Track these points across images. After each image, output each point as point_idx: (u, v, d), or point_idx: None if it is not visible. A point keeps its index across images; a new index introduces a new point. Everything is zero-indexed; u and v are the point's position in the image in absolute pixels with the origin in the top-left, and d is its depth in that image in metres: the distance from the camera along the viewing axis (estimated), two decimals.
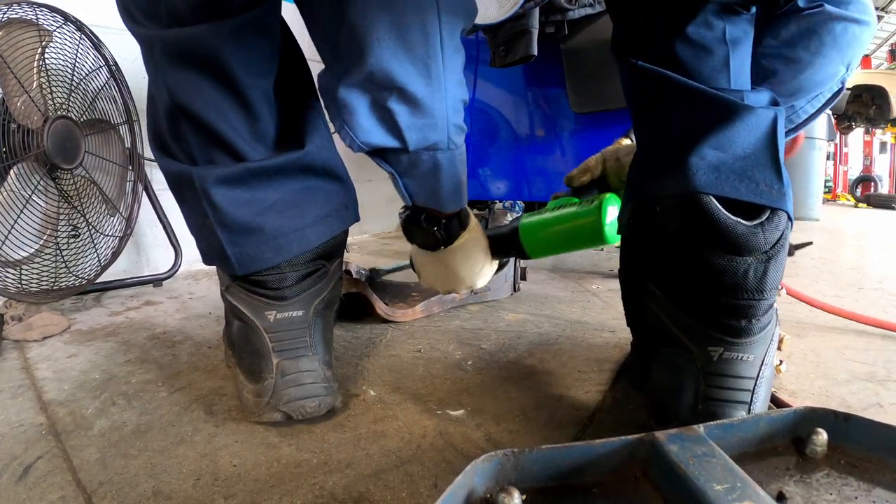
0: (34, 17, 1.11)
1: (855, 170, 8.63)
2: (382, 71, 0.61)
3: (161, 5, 0.60)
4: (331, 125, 0.71)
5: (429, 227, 0.78)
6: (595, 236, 0.77)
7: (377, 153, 0.70)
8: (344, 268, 0.97)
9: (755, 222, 0.56)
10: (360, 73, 0.61)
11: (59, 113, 1.13)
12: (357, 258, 1.82)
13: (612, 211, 0.77)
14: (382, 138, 0.67)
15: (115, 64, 1.28)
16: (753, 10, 0.63)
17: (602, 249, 1.99)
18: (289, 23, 0.75)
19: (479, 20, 0.97)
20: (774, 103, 0.62)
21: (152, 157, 0.71)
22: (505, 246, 0.85)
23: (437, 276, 0.86)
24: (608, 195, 0.77)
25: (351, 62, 0.61)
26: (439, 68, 0.65)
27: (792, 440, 0.51)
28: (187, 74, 0.62)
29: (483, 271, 0.86)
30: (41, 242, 1.14)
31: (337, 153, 0.76)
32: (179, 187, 0.68)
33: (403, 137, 0.67)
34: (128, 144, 1.33)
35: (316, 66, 0.85)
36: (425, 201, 0.76)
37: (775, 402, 0.71)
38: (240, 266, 0.67)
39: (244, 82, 0.64)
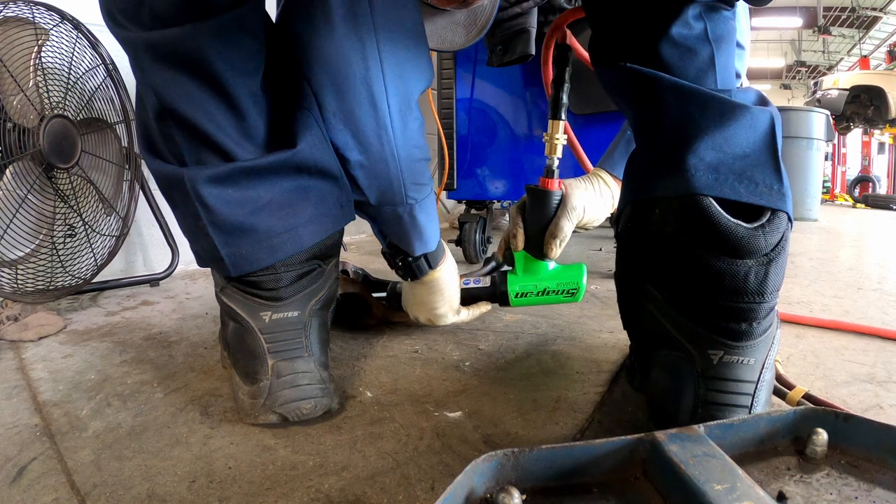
0: (31, 16, 1.10)
1: (853, 170, 8.66)
2: (336, 142, 0.73)
3: (143, 7, 0.59)
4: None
5: (395, 260, 0.87)
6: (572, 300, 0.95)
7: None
8: (340, 268, 0.97)
9: (755, 224, 0.55)
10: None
11: (55, 112, 1.13)
12: (354, 258, 1.81)
13: (585, 282, 0.93)
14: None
15: (112, 63, 1.27)
16: (736, 6, 0.63)
17: (600, 249, 1.99)
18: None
19: (447, 46, 1.03)
20: (763, 102, 0.61)
21: None
22: (492, 300, 0.97)
23: (408, 303, 0.95)
24: (581, 272, 0.92)
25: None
26: (389, 138, 0.75)
27: (792, 440, 0.51)
28: (172, 75, 0.62)
29: (445, 309, 0.93)
30: (37, 242, 1.14)
31: (331, 152, 0.75)
32: (170, 189, 0.68)
33: (365, 194, 0.78)
34: (125, 143, 1.33)
35: None
36: (396, 243, 0.86)
37: (781, 382, 0.71)
38: (233, 267, 0.67)
39: (229, 82, 0.64)
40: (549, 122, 0.92)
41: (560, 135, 0.92)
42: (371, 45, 0.69)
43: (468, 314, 0.96)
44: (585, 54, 1.07)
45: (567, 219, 0.89)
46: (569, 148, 1.57)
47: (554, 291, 0.93)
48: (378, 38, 0.69)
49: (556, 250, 0.89)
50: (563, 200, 0.90)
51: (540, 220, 0.90)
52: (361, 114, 0.72)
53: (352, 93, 0.70)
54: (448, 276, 0.91)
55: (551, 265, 0.92)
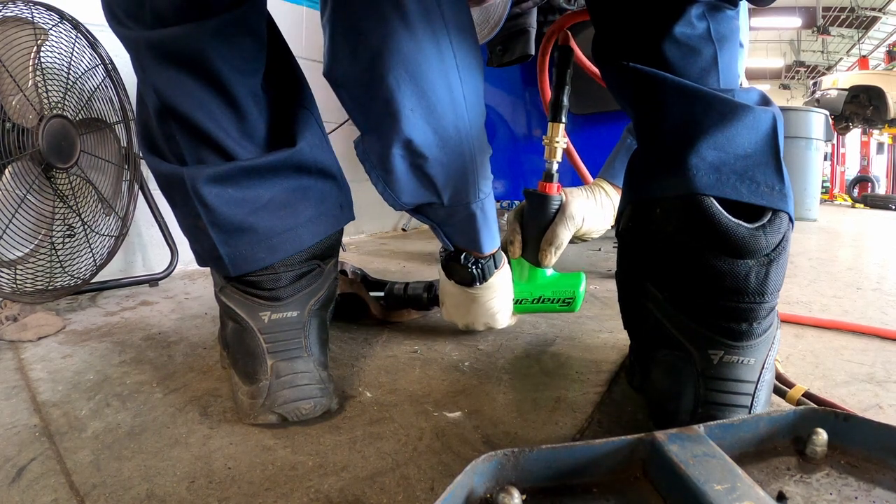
0: (29, 16, 1.10)
1: (852, 170, 8.66)
2: (417, 140, 0.67)
3: (145, 6, 0.59)
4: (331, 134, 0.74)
5: (467, 264, 0.82)
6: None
7: (417, 209, 0.77)
8: (339, 268, 0.97)
9: (756, 224, 0.56)
10: (398, 142, 0.67)
11: (54, 112, 1.13)
12: (354, 258, 1.81)
13: (582, 291, 0.92)
14: (423, 197, 0.73)
15: (112, 63, 1.27)
16: (740, 6, 0.63)
17: (600, 249, 1.99)
18: (279, 23, 0.74)
19: None
20: (765, 102, 0.61)
21: None
22: None
23: (463, 310, 0.90)
24: (579, 281, 0.91)
25: (387, 132, 0.67)
26: (467, 131, 0.71)
27: (792, 440, 0.51)
28: (173, 74, 0.62)
29: (508, 308, 0.90)
30: (36, 242, 1.13)
31: (331, 152, 0.75)
32: (170, 188, 0.68)
33: (440, 195, 0.73)
34: (124, 143, 1.32)
35: (310, 65, 0.84)
36: (464, 245, 0.81)
37: (781, 380, 0.71)
38: (233, 267, 0.67)
39: (230, 81, 0.64)
40: (549, 125, 0.92)
41: (560, 138, 0.91)
42: (445, 40, 0.66)
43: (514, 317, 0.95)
44: (583, 57, 1.07)
45: (564, 227, 0.88)
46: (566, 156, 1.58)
47: (550, 300, 0.92)
48: (449, 33, 0.66)
49: (552, 258, 0.88)
50: (561, 208, 0.89)
51: (537, 225, 0.90)
52: (441, 108, 0.68)
53: (432, 88, 0.67)
54: (509, 275, 0.89)
55: (549, 272, 0.92)
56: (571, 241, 0.93)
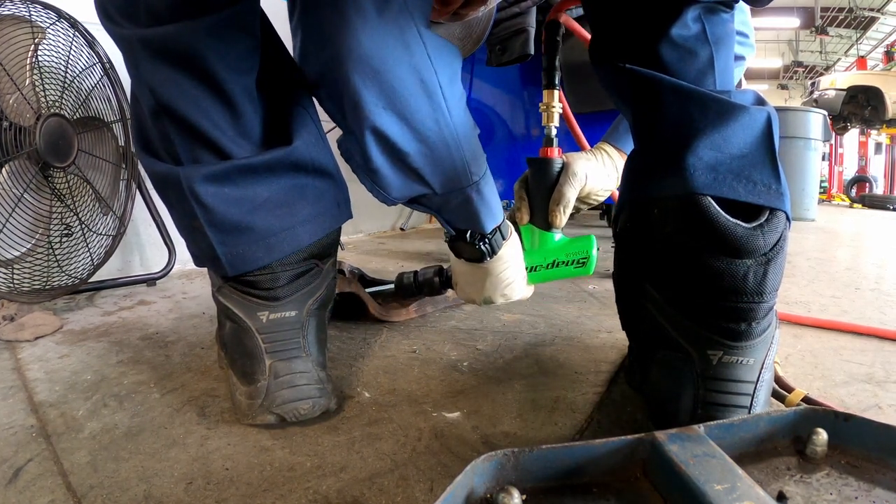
0: (27, 14, 1.10)
1: (850, 170, 8.68)
2: (393, 137, 0.66)
3: (139, 4, 0.59)
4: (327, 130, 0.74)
5: (474, 242, 0.80)
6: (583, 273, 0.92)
7: (411, 201, 0.75)
8: (337, 267, 0.96)
9: (754, 224, 0.56)
10: (374, 141, 0.65)
11: (51, 111, 1.12)
12: (352, 258, 1.81)
13: (595, 253, 0.90)
14: (413, 189, 0.72)
15: (109, 62, 1.27)
16: (735, 8, 0.63)
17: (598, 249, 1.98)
18: (276, 22, 0.74)
19: None
20: (761, 102, 0.61)
21: None
22: None
23: (479, 286, 0.87)
24: (590, 242, 0.90)
25: (361, 132, 0.65)
26: (446, 117, 0.69)
27: (792, 440, 0.51)
28: (168, 73, 0.62)
29: (522, 277, 0.88)
30: (33, 241, 1.13)
31: (328, 150, 0.75)
32: (165, 189, 0.67)
33: (431, 185, 0.72)
34: (121, 142, 1.32)
35: None
36: (466, 226, 0.79)
37: (780, 384, 0.70)
38: (231, 267, 0.66)
39: (225, 79, 0.63)
40: (544, 91, 0.92)
41: (556, 103, 0.91)
42: (411, 30, 0.64)
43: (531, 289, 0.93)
44: (586, 34, 1.07)
45: (569, 185, 0.88)
46: (569, 148, 1.57)
47: (564, 263, 0.90)
48: (415, 21, 0.64)
49: (561, 218, 0.87)
50: (564, 168, 0.89)
51: (542, 189, 0.89)
52: (415, 101, 0.66)
53: (401, 82, 0.65)
54: (518, 244, 0.88)
55: (557, 236, 0.91)
56: (576, 210, 0.92)
